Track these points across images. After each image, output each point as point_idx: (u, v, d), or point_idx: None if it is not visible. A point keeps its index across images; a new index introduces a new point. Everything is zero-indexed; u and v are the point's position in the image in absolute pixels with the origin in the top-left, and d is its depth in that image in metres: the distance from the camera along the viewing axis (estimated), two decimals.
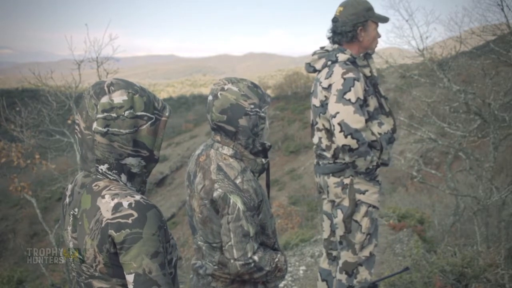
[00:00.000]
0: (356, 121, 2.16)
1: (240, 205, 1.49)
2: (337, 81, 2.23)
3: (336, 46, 2.39)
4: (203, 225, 1.60)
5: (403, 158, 8.68)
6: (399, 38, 7.05)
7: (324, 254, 2.72)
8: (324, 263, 2.72)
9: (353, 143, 2.16)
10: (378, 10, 2.39)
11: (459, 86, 6.65)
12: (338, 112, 2.18)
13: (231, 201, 1.49)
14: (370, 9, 2.31)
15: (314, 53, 2.44)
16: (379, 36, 2.39)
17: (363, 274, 2.44)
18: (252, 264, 1.52)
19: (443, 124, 6.89)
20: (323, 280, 2.69)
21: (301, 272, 4.34)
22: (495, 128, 5.96)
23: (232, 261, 1.52)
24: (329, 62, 2.34)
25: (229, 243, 1.51)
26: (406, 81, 8.25)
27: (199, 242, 1.68)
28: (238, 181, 1.53)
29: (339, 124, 2.17)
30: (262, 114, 1.59)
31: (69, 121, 6.77)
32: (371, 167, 2.26)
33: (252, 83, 1.61)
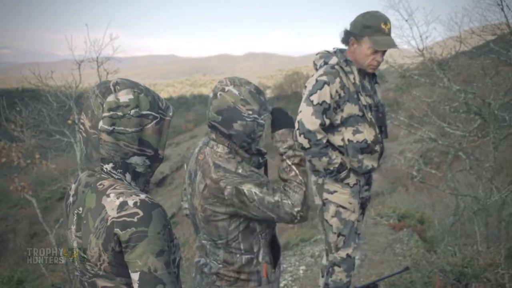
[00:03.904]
0: (311, 122, 2.25)
1: (255, 189, 1.49)
2: (311, 81, 2.33)
3: (336, 48, 2.45)
4: (207, 223, 1.60)
5: (403, 158, 8.68)
6: (399, 38, 7.03)
7: (324, 251, 2.77)
8: (324, 260, 2.77)
9: (305, 142, 2.26)
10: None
11: (459, 86, 6.65)
12: (300, 111, 2.31)
13: (245, 190, 1.49)
14: (369, 27, 2.27)
15: (318, 53, 2.52)
16: (379, 60, 2.32)
17: (339, 274, 2.50)
18: (301, 214, 1.52)
19: (443, 124, 6.89)
20: (323, 276, 2.74)
21: (301, 272, 4.34)
22: (495, 128, 5.96)
23: (290, 223, 1.54)
24: (323, 63, 2.42)
25: (275, 218, 1.53)
26: (406, 81, 8.24)
27: (203, 241, 1.69)
28: (240, 170, 1.53)
29: (298, 122, 2.29)
30: (261, 121, 1.57)
31: (69, 121, 6.77)
32: (331, 168, 2.32)
33: (256, 88, 1.59)
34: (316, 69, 2.48)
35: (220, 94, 1.55)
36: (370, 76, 2.50)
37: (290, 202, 1.52)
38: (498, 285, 3.41)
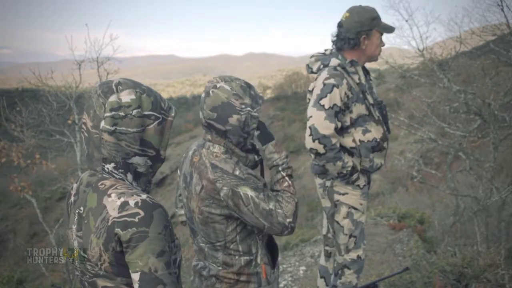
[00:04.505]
0: (325, 127, 2.21)
1: (251, 193, 1.50)
2: (318, 85, 2.29)
3: (333, 50, 2.43)
4: (204, 225, 1.60)
5: (403, 158, 8.69)
6: (399, 38, 7.06)
7: (323, 251, 2.76)
8: (322, 260, 2.76)
9: (320, 148, 2.22)
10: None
11: (459, 86, 6.65)
12: (311, 116, 2.25)
13: (241, 193, 1.49)
14: (375, 18, 2.33)
15: (313, 56, 2.49)
16: (383, 45, 2.42)
17: (349, 276, 2.47)
18: (292, 226, 1.55)
19: (443, 124, 6.90)
20: (321, 277, 2.74)
21: (301, 272, 4.34)
22: (495, 128, 5.96)
23: (279, 233, 1.56)
24: (322, 66, 2.38)
25: (266, 226, 1.54)
26: (406, 81, 8.25)
27: (200, 244, 1.68)
28: (237, 172, 1.53)
29: (309, 127, 2.24)
30: (254, 114, 1.58)
31: (70, 121, 6.77)
32: (344, 171, 2.29)
33: (245, 83, 1.61)
34: (311, 72, 2.45)
35: (212, 91, 1.56)
36: (365, 73, 2.51)
37: (283, 212, 1.54)
38: (498, 286, 3.41)
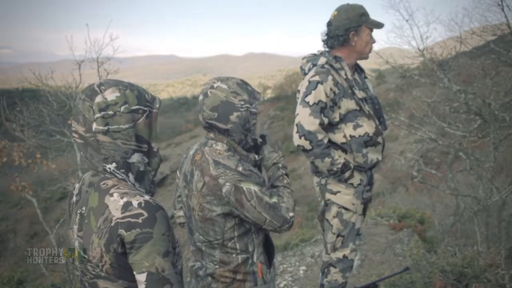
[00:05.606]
0: (310, 123, 2.24)
1: (254, 187, 1.52)
2: (304, 84, 2.34)
3: (322, 50, 2.46)
4: (204, 222, 1.60)
5: (403, 158, 8.69)
6: (399, 38, 7.05)
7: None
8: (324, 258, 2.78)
9: (306, 144, 2.24)
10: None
11: (459, 86, 6.65)
12: (298, 114, 2.31)
13: (244, 188, 1.51)
14: (363, 14, 2.35)
15: (304, 57, 2.53)
16: (374, 42, 2.43)
17: (334, 275, 2.49)
18: (293, 220, 1.61)
19: (443, 124, 6.90)
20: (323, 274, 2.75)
21: (301, 272, 4.34)
22: (495, 128, 5.96)
23: (278, 229, 1.58)
24: (311, 66, 2.42)
25: (267, 220, 1.55)
26: (406, 81, 8.25)
27: (197, 243, 1.68)
28: (240, 168, 1.55)
29: (296, 125, 2.28)
30: (253, 110, 1.62)
31: (70, 121, 6.75)
32: (335, 168, 2.30)
33: (241, 80, 1.64)
34: (304, 74, 2.48)
35: (210, 92, 1.59)
36: (359, 71, 2.53)
37: (286, 206, 1.58)
38: (499, 286, 3.41)
